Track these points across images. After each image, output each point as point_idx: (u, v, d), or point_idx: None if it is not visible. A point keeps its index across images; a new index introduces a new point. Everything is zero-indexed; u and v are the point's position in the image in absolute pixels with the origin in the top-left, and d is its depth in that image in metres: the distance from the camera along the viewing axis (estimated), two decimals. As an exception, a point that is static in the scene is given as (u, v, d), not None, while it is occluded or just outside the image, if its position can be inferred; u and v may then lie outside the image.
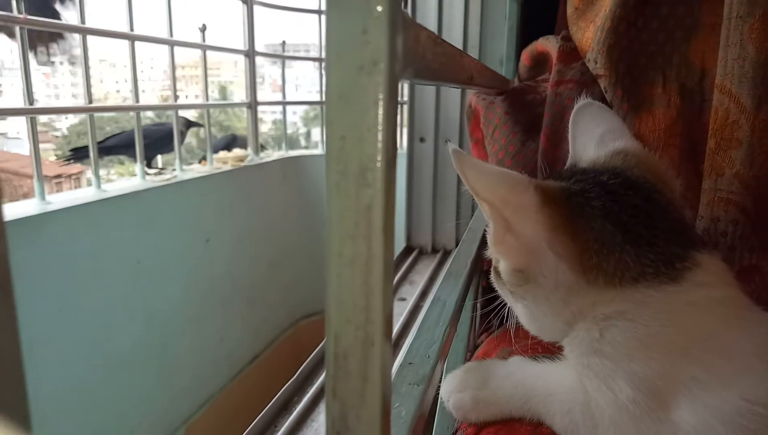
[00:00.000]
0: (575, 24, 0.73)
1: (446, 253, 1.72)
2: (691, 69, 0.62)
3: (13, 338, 0.16)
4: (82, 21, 1.44)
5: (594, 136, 0.47)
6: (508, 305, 0.46)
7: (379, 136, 0.21)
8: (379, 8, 0.20)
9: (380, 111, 0.21)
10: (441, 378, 0.47)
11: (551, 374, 0.42)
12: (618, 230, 0.37)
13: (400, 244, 1.80)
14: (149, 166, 2.08)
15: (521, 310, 0.43)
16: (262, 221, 2.11)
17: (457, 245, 0.75)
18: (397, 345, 1.09)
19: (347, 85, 0.21)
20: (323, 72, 0.23)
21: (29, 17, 1.27)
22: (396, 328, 1.18)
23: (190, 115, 2.21)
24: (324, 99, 0.22)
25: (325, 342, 0.24)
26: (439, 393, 0.47)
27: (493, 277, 0.45)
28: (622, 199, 0.39)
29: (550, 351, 0.46)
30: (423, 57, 0.27)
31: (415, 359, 0.42)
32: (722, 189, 0.54)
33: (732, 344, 0.35)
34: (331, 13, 0.21)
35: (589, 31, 0.70)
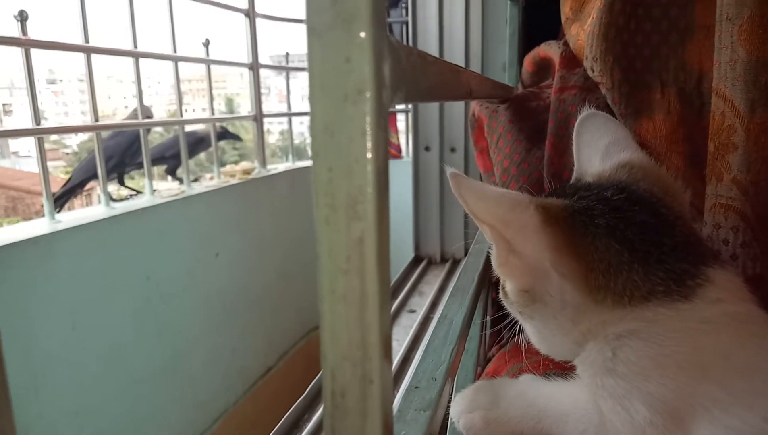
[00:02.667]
0: (568, 32, 0.72)
1: (455, 263, 1.71)
2: (688, 72, 0.61)
3: None
4: (86, 40, 1.45)
5: (598, 148, 0.46)
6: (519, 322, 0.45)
7: (369, 168, 0.21)
8: (362, 34, 0.19)
9: (368, 141, 0.20)
10: (450, 397, 0.46)
11: (564, 394, 0.41)
12: (624, 248, 0.36)
13: (408, 254, 1.79)
14: (173, 175, 2.12)
15: (531, 330, 0.42)
16: (271, 233, 2.11)
17: (466, 254, 0.74)
18: (407, 359, 1.08)
19: (332, 115, 0.20)
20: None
21: (32, 38, 1.28)
22: (406, 340, 1.17)
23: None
24: (309, 130, 0.21)
25: (321, 378, 0.23)
26: (449, 413, 0.45)
27: (501, 296, 0.44)
28: (627, 215, 0.37)
29: (561, 368, 0.45)
30: (413, 79, 0.26)
31: (421, 383, 0.41)
32: (722, 195, 0.53)
33: (751, 362, 0.34)
34: (312, 41, 0.20)
35: (581, 39, 0.69)
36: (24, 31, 1.28)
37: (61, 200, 2.10)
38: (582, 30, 0.69)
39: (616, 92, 0.63)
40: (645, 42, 0.63)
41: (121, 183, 1.96)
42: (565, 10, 0.75)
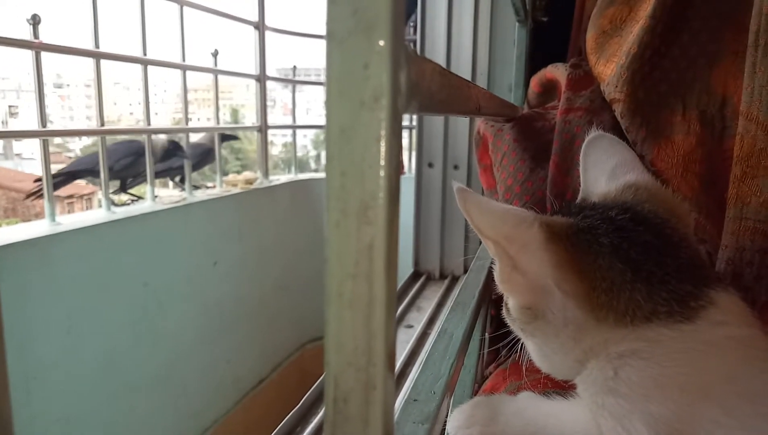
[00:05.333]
0: (600, 47, 0.71)
1: (454, 279, 1.70)
2: (712, 96, 0.61)
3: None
4: (96, 45, 1.47)
5: (605, 170, 0.46)
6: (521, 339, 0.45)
7: (381, 173, 0.21)
8: (381, 42, 0.20)
9: (382, 147, 0.20)
10: (448, 412, 0.46)
11: (564, 412, 0.41)
12: (628, 268, 0.36)
13: (407, 269, 1.78)
14: (182, 181, 2.13)
15: (532, 347, 0.42)
16: (270, 244, 2.11)
17: (465, 271, 0.74)
18: (403, 374, 1.07)
19: (348, 120, 0.20)
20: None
21: (44, 42, 1.29)
22: (402, 356, 1.16)
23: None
24: (324, 135, 0.21)
25: (324, 385, 0.23)
26: (445, 429, 0.45)
27: (504, 312, 0.44)
28: (632, 235, 0.38)
29: (560, 387, 0.44)
30: (428, 90, 0.26)
31: (420, 396, 0.40)
32: (749, 217, 0.52)
33: (754, 386, 0.34)
34: (331, 47, 0.20)
35: (615, 56, 0.68)
36: (36, 35, 1.29)
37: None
38: (619, 47, 0.69)
39: (639, 112, 0.63)
40: (672, 66, 0.63)
41: (123, 190, 1.96)
42: (603, 23, 0.74)
